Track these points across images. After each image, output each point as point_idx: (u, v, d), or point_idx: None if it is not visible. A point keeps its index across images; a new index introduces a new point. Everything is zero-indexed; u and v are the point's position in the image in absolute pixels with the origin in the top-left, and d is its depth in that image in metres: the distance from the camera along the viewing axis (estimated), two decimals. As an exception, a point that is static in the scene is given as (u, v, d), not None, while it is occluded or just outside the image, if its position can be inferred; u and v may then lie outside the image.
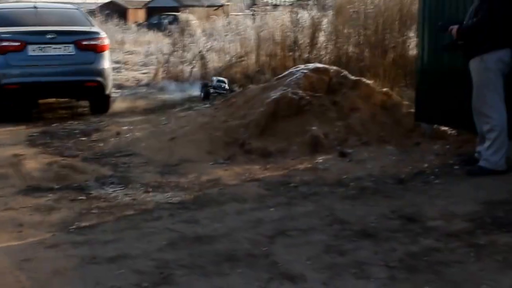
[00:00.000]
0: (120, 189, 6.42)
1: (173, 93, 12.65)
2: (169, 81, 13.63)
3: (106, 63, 10.49)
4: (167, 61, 14.44)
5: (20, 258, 4.68)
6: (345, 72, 8.99)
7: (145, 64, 18.61)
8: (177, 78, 13.76)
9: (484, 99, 6.31)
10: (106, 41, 10.61)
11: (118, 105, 11.40)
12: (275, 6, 20.60)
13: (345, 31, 12.32)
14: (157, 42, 23.61)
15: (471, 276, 4.21)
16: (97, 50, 10.33)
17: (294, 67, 9.27)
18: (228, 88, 11.62)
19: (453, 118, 7.65)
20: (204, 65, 14.02)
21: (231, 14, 35.50)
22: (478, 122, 6.46)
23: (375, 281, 4.19)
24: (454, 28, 6.42)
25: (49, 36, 10.08)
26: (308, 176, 6.75)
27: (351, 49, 12.12)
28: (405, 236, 4.92)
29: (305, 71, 8.80)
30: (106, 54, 10.51)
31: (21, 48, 9.93)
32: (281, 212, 5.60)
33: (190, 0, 59.97)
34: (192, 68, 14.19)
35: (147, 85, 14.14)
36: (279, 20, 14.25)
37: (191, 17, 41.99)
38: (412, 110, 8.32)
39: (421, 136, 8.00)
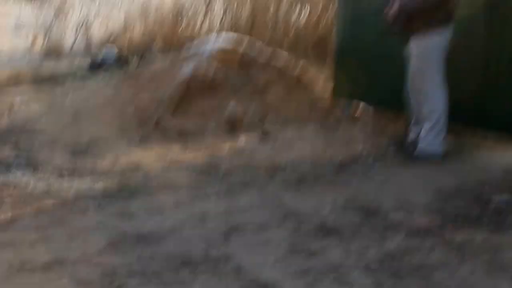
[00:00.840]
0: (30, 173, 5.50)
1: (57, 63, 11.50)
2: (51, 50, 12.42)
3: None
4: (47, 29, 13.15)
5: None
6: (259, 44, 8.34)
7: (16, 31, 16.99)
8: (59, 48, 12.55)
9: (427, 79, 5.88)
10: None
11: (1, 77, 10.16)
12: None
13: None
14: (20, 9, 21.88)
15: (464, 282, 3.72)
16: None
17: (205, 37, 8.50)
18: (120, 58, 10.66)
19: (372, 95, 7.26)
20: (88, 35, 12.89)
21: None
22: (417, 103, 6.03)
23: (362, 288, 3.63)
24: (395, 6, 5.91)
25: None
26: (236, 159, 6.12)
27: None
28: (372, 231, 4.39)
29: (218, 43, 8.08)
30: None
31: None
32: (225, 203, 4.93)
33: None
34: (76, 37, 13.01)
35: (25, 54, 12.82)
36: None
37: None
38: (327, 90, 7.85)
39: (340, 114, 7.53)
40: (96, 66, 10.25)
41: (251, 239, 4.27)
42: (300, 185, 5.36)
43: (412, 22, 5.85)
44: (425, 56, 5.85)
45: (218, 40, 8.27)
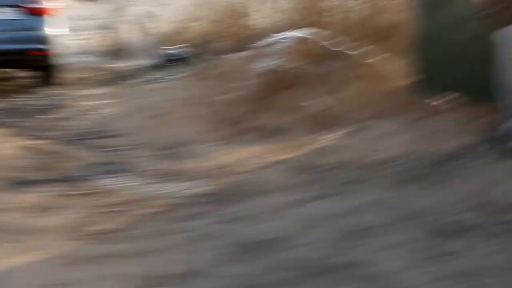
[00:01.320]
0: (124, 180, 5.24)
1: (121, 62, 11.29)
2: (114, 49, 12.24)
3: (54, 29, 9.01)
4: (107, 28, 12.98)
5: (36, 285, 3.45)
6: (335, 39, 7.99)
7: (79, 31, 16.85)
8: (126, 46, 12.36)
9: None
10: (54, 5, 9.10)
11: (66, 75, 9.90)
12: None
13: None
14: (77, 8, 21.80)
15: None
16: (43, 15, 8.84)
17: (278, 34, 8.17)
18: (192, 54, 10.31)
19: (459, 84, 6.85)
20: (147, 33, 12.67)
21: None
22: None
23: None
24: None
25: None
26: (331, 156, 5.77)
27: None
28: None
29: (292, 38, 7.75)
30: (53, 19, 9.02)
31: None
32: (333, 204, 4.60)
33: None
34: (142, 34, 12.79)
35: (88, 53, 12.64)
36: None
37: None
38: (406, 81, 7.44)
39: (427, 106, 7.11)
40: (169, 62, 9.93)
41: (377, 243, 3.93)
42: (409, 181, 5.00)
43: (509, 8, 5.46)
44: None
45: (293, 33, 7.94)
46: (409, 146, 5.90)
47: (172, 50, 10.62)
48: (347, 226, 4.15)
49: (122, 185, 5.09)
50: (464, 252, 3.71)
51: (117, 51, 12.09)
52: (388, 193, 4.74)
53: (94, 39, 13.07)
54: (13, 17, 8.70)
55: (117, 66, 10.85)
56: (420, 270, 3.52)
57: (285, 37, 7.82)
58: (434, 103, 7.06)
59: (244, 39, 10.77)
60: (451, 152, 5.69)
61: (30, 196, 4.83)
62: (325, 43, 7.77)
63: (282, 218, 4.36)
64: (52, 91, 8.67)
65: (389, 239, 3.95)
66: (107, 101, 7.78)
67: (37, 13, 8.80)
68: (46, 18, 8.89)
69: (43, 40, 8.83)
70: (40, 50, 8.81)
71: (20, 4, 8.72)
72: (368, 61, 7.76)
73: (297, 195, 4.79)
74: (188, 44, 11.77)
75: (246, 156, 5.81)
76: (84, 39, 13.36)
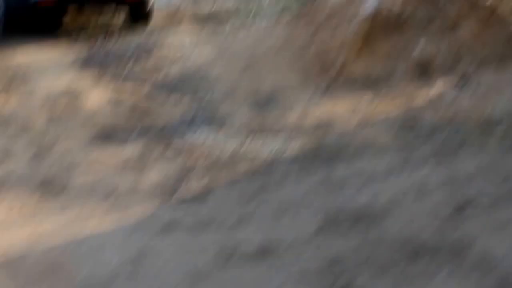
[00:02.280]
0: (215, 134, 5.02)
1: (213, 4, 10.89)
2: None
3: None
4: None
5: (130, 253, 3.30)
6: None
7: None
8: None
9: None
10: None
11: (157, 19, 9.64)
12: None
13: None
14: None
15: None
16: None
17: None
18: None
19: None
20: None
21: None
22: None
23: None
24: None
25: None
26: (437, 111, 5.37)
27: None
28: None
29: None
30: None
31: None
32: (444, 168, 4.23)
33: None
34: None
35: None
36: None
37: None
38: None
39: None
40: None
41: (489, 217, 3.59)
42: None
43: None
44: None
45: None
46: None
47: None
48: (453, 196, 3.79)
49: (215, 141, 4.86)
50: None
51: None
52: (502, 156, 4.32)
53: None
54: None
55: (208, 9, 10.50)
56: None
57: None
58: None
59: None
60: None
61: (120, 153, 4.69)
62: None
63: (383, 184, 4.05)
64: (143, 36, 8.45)
65: (501, 213, 3.57)
66: (199, 47, 7.50)
67: None
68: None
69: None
70: None
71: None
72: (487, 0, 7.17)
73: (400, 156, 4.45)
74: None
75: (346, 110, 5.50)
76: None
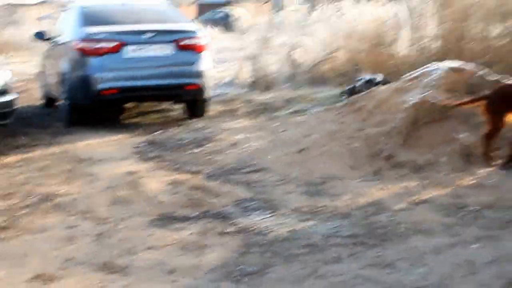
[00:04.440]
0: (269, 217, 5.31)
1: (266, 93, 11.41)
2: (258, 80, 12.41)
3: (207, 64, 9.35)
4: (252, 58, 13.19)
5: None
6: (483, 71, 7.70)
7: (221, 62, 17.29)
8: (266, 77, 12.51)
9: None
10: (206, 40, 9.46)
11: (213, 107, 10.15)
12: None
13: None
14: (220, 39, 22.39)
15: None
16: (197, 50, 9.20)
17: (425, 66, 7.99)
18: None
19: None
20: (293, 63, 12.80)
21: (287, 8, 33.98)
22: None
23: None
24: None
25: (148, 35, 8.96)
26: (481, 195, 5.60)
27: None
28: None
29: (441, 70, 7.54)
30: (206, 53, 9.36)
31: (118, 49, 8.82)
32: (490, 249, 4.43)
33: (237, -5, 58.85)
34: (281, 65, 12.93)
35: (233, 84, 12.89)
36: (368, 13, 12.89)
37: (243, 12, 40.73)
38: None
39: None
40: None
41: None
42: None
43: None
44: None
45: (440, 66, 7.72)
46: None
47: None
48: (501, 275, 3.99)
49: (270, 223, 5.14)
50: None
51: (261, 82, 12.26)
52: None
53: (238, 71, 13.33)
54: (171, 52, 9.06)
55: (261, 97, 10.99)
56: None
57: (434, 68, 7.63)
58: None
59: (391, 69, 10.68)
60: None
61: (181, 233, 4.97)
62: (480, 73, 7.52)
63: (432, 264, 4.24)
64: (199, 124, 8.92)
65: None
66: (253, 134, 7.89)
67: (191, 48, 9.14)
68: (198, 53, 9.20)
69: (198, 74, 9.14)
70: (196, 84, 9.13)
71: (176, 40, 9.06)
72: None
73: (449, 238, 4.66)
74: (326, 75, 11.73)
75: (394, 194, 5.73)
76: (228, 70, 13.68)
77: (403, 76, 8.14)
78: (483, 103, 6.54)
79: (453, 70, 7.57)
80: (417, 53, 11.43)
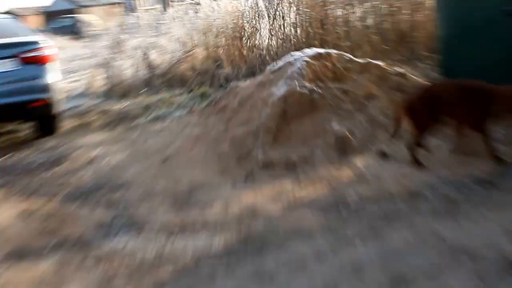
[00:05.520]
0: (136, 239, 4.96)
1: (122, 101, 10.97)
2: (112, 88, 11.97)
3: (54, 76, 8.82)
4: (104, 65, 12.73)
5: None
6: (349, 55, 7.68)
7: (71, 72, 16.67)
8: (121, 84, 12.08)
9: None
10: (52, 50, 8.91)
11: (65, 122, 9.61)
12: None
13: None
14: (70, 47, 21.69)
15: None
16: (42, 62, 8.65)
17: (288, 55, 7.87)
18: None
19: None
20: (149, 65, 12.44)
21: (140, 9, 33.54)
22: None
23: None
24: None
25: (-16, 50, 8.35)
26: (361, 188, 5.46)
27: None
28: None
29: (305, 58, 7.44)
30: (53, 65, 8.82)
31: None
32: (374, 246, 4.28)
33: (85, 0, 57.78)
34: (136, 70, 12.53)
35: (85, 95, 12.37)
36: (225, 7, 12.74)
37: (92, 17, 40.18)
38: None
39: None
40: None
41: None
42: (451, 212, 4.70)
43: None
44: None
45: (303, 55, 7.62)
46: (449, 169, 5.59)
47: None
48: (388, 273, 3.86)
49: (135, 246, 4.79)
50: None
51: (116, 90, 11.83)
52: (428, 228, 4.44)
53: (91, 80, 12.84)
54: (12, 68, 8.46)
55: (118, 106, 10.56)
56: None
57: (297, 57, 7.52)
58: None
59: (255, 61, 10.57)
60: (490, 172, 5.41)
61: (33, 271, 4.55)
62: (346, 57, 7.48)
63: (315, 269, 4.06)
64: (51, 143, 8.40)
65: (439, 285, 3.64)
66: (111, 148, 7.50)
67: (35, 61, 8.58)
68: (43, 65, 8.65)
69: (43, 89, 8.59)
70: (43, 100, 8.58)
71: (17, 54, 8.48)
72: (392, 76, 7.46)
73: (329, 239, 4.50)
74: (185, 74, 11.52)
75: (269, 197, 5.51)
76: (80, 80, 13.15)
77: (267, 69, 8.01)
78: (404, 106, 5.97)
79: (317, 57, 7.48)
80: (279, 43, 11.40)
